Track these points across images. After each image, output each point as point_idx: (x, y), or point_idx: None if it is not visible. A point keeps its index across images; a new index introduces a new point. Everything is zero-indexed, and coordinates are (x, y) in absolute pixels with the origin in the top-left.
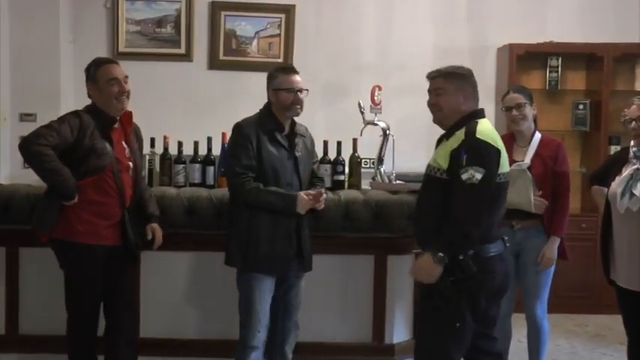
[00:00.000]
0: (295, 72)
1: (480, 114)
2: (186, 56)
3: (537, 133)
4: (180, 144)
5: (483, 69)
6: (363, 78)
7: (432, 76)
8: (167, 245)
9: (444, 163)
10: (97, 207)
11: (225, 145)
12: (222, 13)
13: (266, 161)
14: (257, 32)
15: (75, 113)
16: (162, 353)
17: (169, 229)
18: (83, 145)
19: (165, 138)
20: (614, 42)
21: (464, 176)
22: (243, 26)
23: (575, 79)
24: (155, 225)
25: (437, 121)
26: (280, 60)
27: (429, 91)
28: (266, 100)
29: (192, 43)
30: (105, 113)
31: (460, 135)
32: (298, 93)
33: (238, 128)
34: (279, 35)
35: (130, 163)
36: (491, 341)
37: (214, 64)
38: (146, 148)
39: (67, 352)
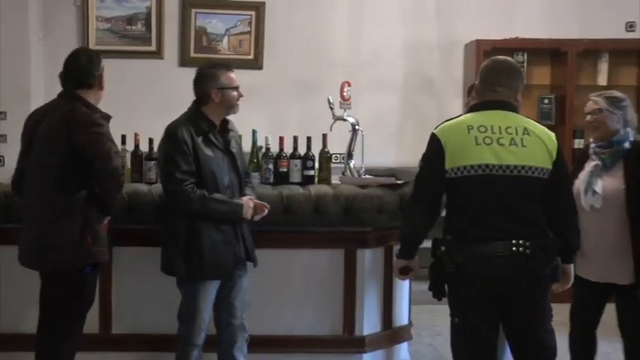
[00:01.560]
0: (232, 68)
1: (478, 107)
2: (157, 53)
3: None
4: (151, 141)
5: (451, 65)
6: (333, 74)
7: None
8: (139, 241)
9: None
10: (103, 218)
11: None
12: (193, 11)
13: (204, 165)
14: (227, 29)
15: (102, 117)
16: (135, 349)
17: (141, 224)
18: None
19: (136, 135)
20: (578, 38)
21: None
22: (214, 24)
23: (541, 74)
24: None
25: None
26: (251, 57)
27: None
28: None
29: (163, 40)
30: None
31: None
32: (239, 89)
33: (172, 132)
34: (249, 32)
35: None
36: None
37: (185, 61)
38: (117, 146)
39: None
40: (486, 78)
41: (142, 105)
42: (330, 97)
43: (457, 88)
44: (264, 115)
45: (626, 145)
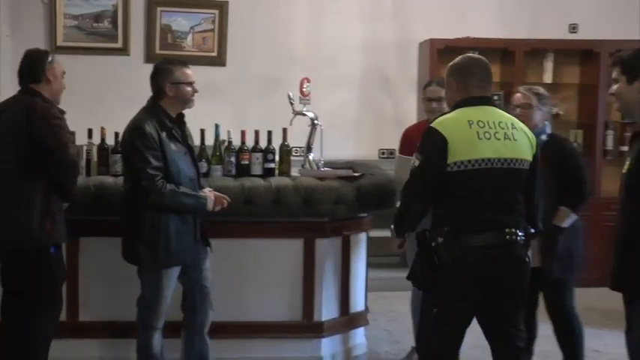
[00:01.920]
0: (188, 65)
1: (467, 102)
2: (124, 50)
3: None
4: (116, 135)
5: (406, 62)
6: (294, 71)
7: None
8: (105, 232)
9: None
10: (63, 204)
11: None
12: (158, 9)
13: (170, 159)
14: (192, 27)
15: (58, 110)
16: (102, 335)
17: (107, 215)
18: None
19: (102, 129)
20: (525, 38)
21: (411, 163)
22: (179, 21)
23: None
24: None
25: None
26: (214, 54)
27: None
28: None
29: (129, 37)
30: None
31: None
32: (194, 85)
33: (140, 128)
34: (213, 30)
35: None
36: (513, 333)
37: (151, 57)
38: (83, 139)
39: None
40: (471, 74)
41: (108, 100)
42: (290, 93)
43: (412, 84)
44: (227, 110)
45: (543, 137)
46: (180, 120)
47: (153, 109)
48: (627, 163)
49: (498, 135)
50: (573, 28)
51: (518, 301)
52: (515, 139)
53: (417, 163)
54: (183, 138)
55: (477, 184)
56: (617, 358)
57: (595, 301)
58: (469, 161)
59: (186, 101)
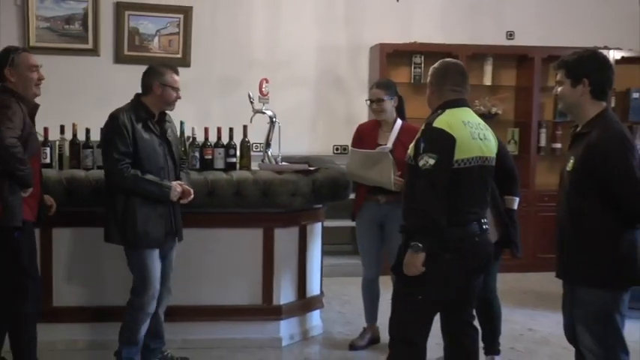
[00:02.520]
0: (178, 72)
1: (452, 104)
2: (94, 51)
3: (399, 120)
4: (87, 131)
5: (358, 65)
6: (253, 72)
7: None
8: (77, 222)
9: (411, 152)
10: (19, 189)
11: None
12: (126, 13)
13: (140, 148)
14: (158, 30)
15: (13, 102)
16: (74, 320)
17: (79, 207)
18: (24, 132)
19: (74, 125)
20: (467, 43)
21: (420, 163)
22: (146, 25)
23: None
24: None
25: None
26: (179, 55)
27: None
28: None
29: (99, 39)
30: (26, 99)
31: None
32: (179, 92)
33: (114, 117)
34: (178, 33)
35: None
36: (469, 312)
37: (119, 58)
38: (56, 135)
39: (17, 335)
40: (457, 79)
41: (79, 98)
42: (250, 93)
43: (363, 85)
44: (191, 108)
45: None
46: (161, 117)
47: (134, 103)
48: (571, 161)
49: (481, 135)
50: (510, 35)
51: (480, 281)
52: (489, 139)
53: (431, 161)
54: (162, 132)
55: (468, 179)
56: (548, 335)
57: (529, 285)
58: (468, 159)
59: (169, 103)
